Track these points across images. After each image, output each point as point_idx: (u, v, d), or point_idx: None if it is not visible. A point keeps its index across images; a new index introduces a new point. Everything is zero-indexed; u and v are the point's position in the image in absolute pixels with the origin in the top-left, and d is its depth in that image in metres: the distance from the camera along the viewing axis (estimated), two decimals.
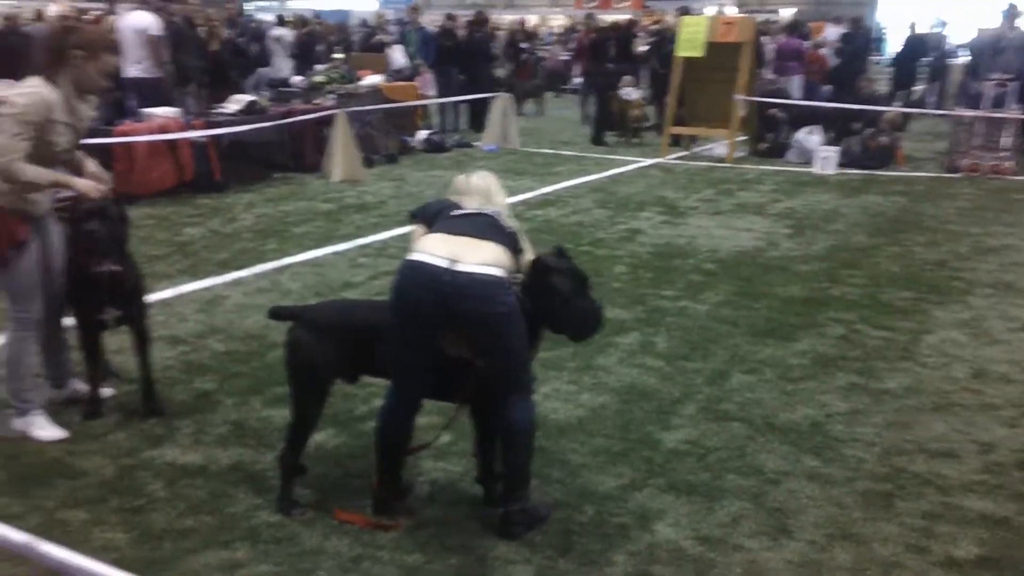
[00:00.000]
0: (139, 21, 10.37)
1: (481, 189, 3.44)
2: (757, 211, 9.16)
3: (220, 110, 10.27)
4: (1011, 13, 13.51)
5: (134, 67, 10.25)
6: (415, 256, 3.10)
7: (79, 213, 3.94)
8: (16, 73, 4.07)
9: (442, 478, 3.69)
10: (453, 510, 3.44)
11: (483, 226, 3.17)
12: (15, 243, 3.83)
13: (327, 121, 10.68)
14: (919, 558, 3.18)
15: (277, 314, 3.54)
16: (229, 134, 9.70)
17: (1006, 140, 11.46)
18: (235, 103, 10.31)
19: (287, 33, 15.92)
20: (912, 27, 17.95)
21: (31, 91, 3.71)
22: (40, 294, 3.99)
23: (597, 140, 14.09)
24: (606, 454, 3.91)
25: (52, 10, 22.91)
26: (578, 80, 21.44)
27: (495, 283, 3.02)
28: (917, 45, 17.66)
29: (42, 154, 3.75)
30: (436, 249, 3.07)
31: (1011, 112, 11.58)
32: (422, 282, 3.04)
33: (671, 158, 12.71)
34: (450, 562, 3.10)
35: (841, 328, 5.59)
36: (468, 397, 3.28)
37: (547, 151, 13.00)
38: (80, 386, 4.37)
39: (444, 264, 3.02)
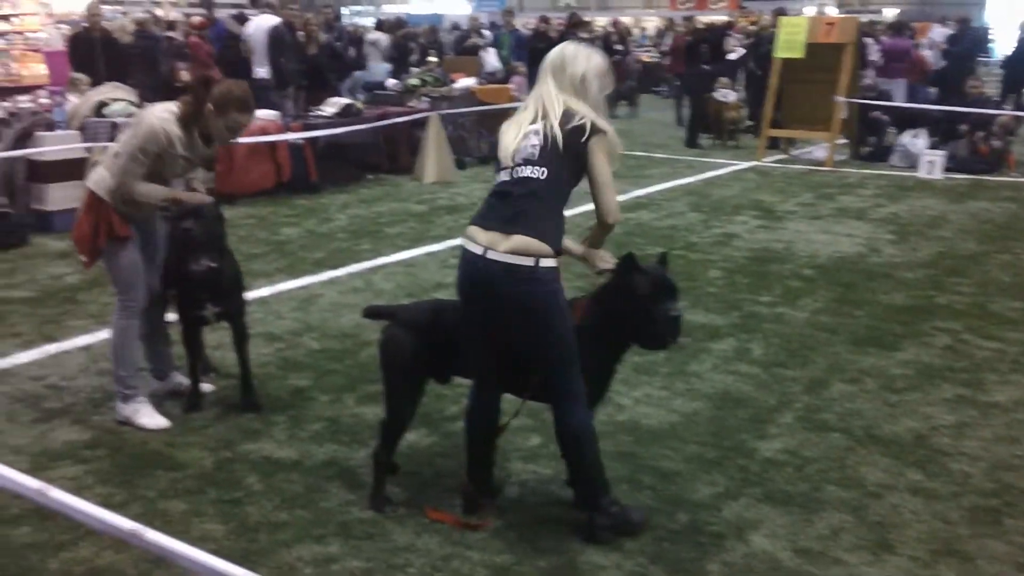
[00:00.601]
0: (265, 23, 10.98)
1: (555, 65, 3.19)
2: (858, 216, 8.88)
3: (317, 113, 10.50)
4: None
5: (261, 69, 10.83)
6: (462, 242, 3.18)
7: (177, 213, 4.09)
8: (148, 75, 4.31)
9: (532, 480, 3.67)
10: (543, 512, 3.42)
11: (519, 203, 3.06)
12: (113, 236, 4.02)
13: (420, 123, 10.82)
14: None
15: (372, 313, 3.60)
16: (325, 136, 9.90)
17: None
18: (332, 106, 10.52)
19: (383, 37, 16.19)
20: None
21: (156, 121, 3.92)
22: (143, 285, 4.16)
23: (691, 143, 13.89)
24: (699, 461, 3.84)
25: (158, 14, 23.84)
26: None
27: (515, 269, 2.99)
28: None
29: (157, 174, 3.99)
30: (475, 236, 3.11)
31: None
32: (464, 268, 3.14)
33: (768, 161, 12.44)
34: (539, 564, 3.08)
35: (947, 338, 5.36)
36: (535, 393, 3.25)
37: (639, 153, 12.87)
38: (181, 380, 4.51)
39: (477, 251, 3.06)
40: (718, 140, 13.98)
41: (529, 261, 2.99)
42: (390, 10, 31.47)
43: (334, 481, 3.64)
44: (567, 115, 3.06)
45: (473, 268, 3.09)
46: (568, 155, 3.05)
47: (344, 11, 36.31)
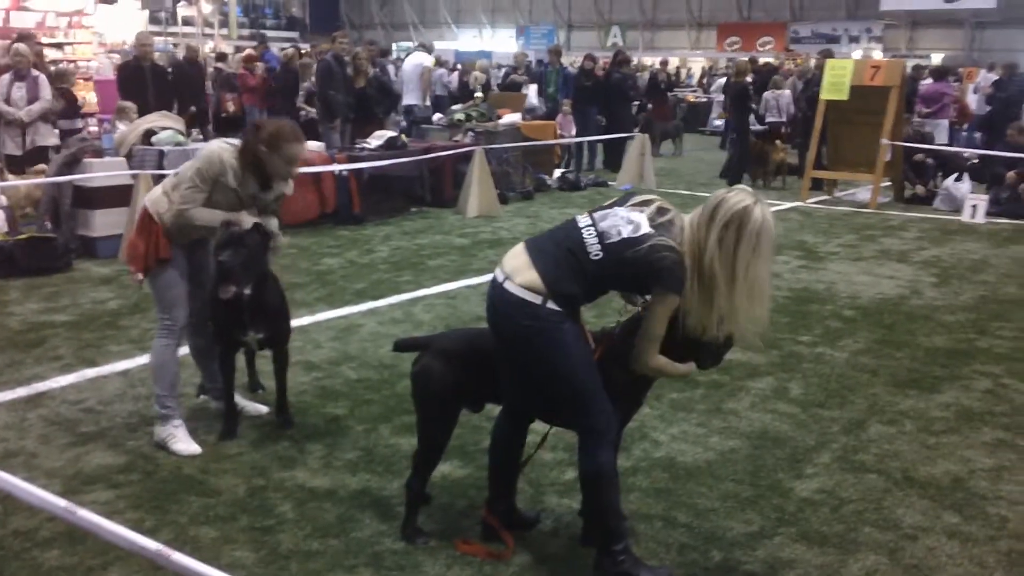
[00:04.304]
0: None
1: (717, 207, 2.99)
2: (901, 258, 8.81)
3: (363, 145, 10.69)
4: None
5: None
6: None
7: (220, 240, 4.18)
8: (195, 104, 4.46)
9: (567, 514, 3.67)
10: (576, 546, 3.42)
11: (558, 245, 3.06)
12: (159, 258, 4.16)
13: (465, 157, 10.96)
14: None
15: (403, 346, 3.59)
16: (370, 168, 10.07)
17: None
18: (377, 139, 10.71)
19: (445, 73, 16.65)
20: None
21: (216, 147, 4.13)
22: (183, 306, 4.27)
23: (735, 182, 13.88)
24: (735, 500, 3.82)
25: (208, 48, 24.55)
26: (718, 122, 21.29)
27: (522, 304, 3.00)
28: None
29: (215, 203, 4.15)
30: (505, 262, 3.14)
31: None
32: (488, 291, 3.19)
33: (811, 202, 12.39)
34: None
35: (988, 382, 5.29)
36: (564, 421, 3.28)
37: (683, 192, 12.89)
38: (247, 404, 4.65)
39: (500, 278, 3.10)
40: (763, 180, 13.91)
41: (537, 299, 3.00)
42: (441, 46, 31.89)
43: (367, 511, 3.67)
44: (660, 245, 2.91)
45: (490, 292, 3.17)
46: (626, 271, 2.98)
47: (393, 46, 36.96)
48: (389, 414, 4.66)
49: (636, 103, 17.98)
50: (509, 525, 3.44)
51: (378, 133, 10.88)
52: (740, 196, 2.94)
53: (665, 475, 4.04)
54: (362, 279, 7.59)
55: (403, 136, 11.34)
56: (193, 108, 12.56)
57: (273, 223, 4.36)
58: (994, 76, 16.74)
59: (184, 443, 4.21)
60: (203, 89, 14.17)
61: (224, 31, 37.49)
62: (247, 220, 4.17)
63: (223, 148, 4.12)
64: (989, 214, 11.04)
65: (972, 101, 17.26)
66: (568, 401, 3.11)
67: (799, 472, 4.09)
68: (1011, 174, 11.61)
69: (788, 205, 12.12)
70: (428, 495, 3.58)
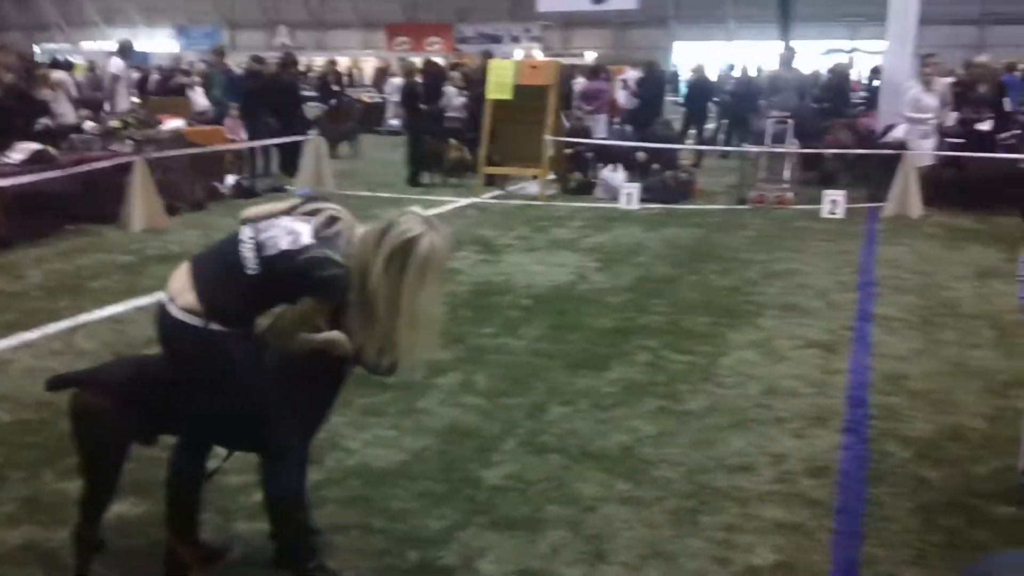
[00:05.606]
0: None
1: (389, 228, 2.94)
2: (569, 247, 9.46)
3: (3, 160, 9.58)
4: (787, 57, 14.74)
5: None
6: None
7: None
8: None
9: (259, 538, 3.52)
10: (271, 570, 3.30)
11: (219, 261, 2.98)
12: None
13: (126, 168, 10.18)
14: (723, 569, 3.36)
15: (56, 384, 3.20)
16: (13, 186, 9.04)
17: (787, 173, 12.44)
18: (20, 152, 9.64)
19: (66, 78, 14.94)
20: (698, 70, 19.35)
21: None
22: None
23: (413, 181, 14.17)
24: (429, 497, 3.90)
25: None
26: (394, 122, 21.53)
27: (184, 328, 2.89)
28: (704, 86, 19.04)
29: None
30: (170, 283, 2.99)
31: (790, 147, 12.56)
32: (154, 315, 3.04)
33: (487, 198, 12.94)
34: None
35: (648, 355, 5.84)
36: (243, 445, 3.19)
37: (364, 193, 12.92)
38: None
39: (164, 300, 2.97)
40: (441, 178, 14.31)
41: (199, 321, 2.87)
42: (90, 47, 29.39)
43: (31, 568, 3.31)
44: (319, 258, 2.83)
45: (155, 316, 3.00)
46: (284, 283, 2.91)
47: (37, 48, 33.52)
48: (52, 457, 4.21)
49: (312, 104, 17.74)
50: (198, 558, 3.26)
51: (21, 146, 9.80)
52: (409, 224, 2.88)
53: (359, 482, 4.03)
54: (11, 309, 6.80)
55: (51, 148, 10.28)
56: None
57: None
58: (638, 73, 18.45)
59: None
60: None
61: None
62: None
63: None
64: (643, 200, 12.15)
65: (620, 96, 18.87)
66: (246, 423, 3.01)
67: (487, 461, 4.26)
68: (641, 154, 12.84)
69: (466, 201, 12.57)
70: (102, 540, 3.29)
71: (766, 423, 4.73)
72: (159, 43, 40.39)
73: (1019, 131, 11.91)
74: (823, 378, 5.41)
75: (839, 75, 17.56)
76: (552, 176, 13.47)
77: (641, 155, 13.32)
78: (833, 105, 15.87)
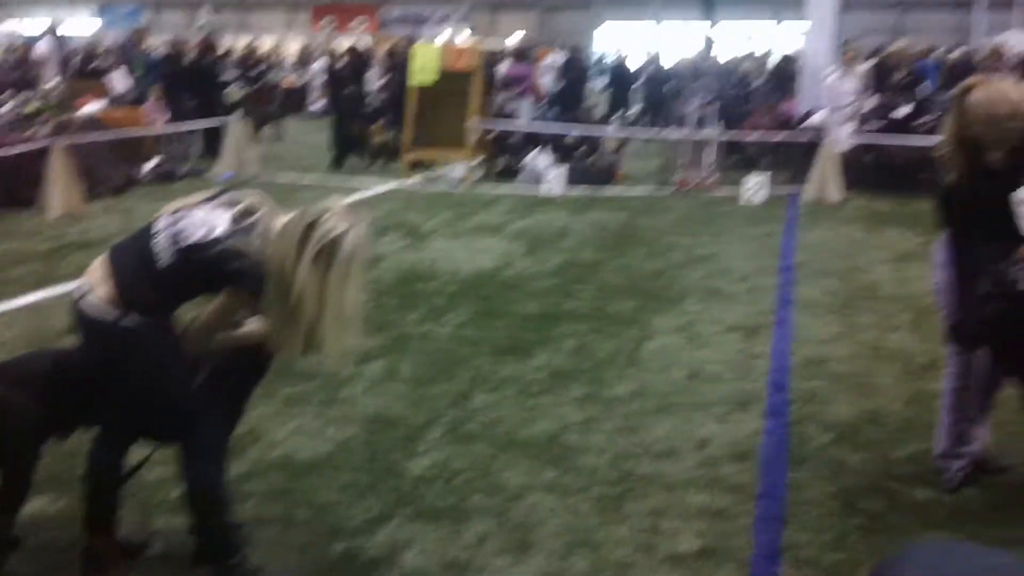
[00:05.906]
0: None
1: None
2: (494, 232, 9.46)
3: None
4: (708, 44, 14.96)
5: None
6: None
7: None
8: None
9: (178, 533, 3.46)
10: (191, 566, 3.25)
11: (134, 252, 2.95)
12: None
13: (44, 152, 9.85)
14: (648, 556, 3.41)
15: None
16: None
17: (709, 157, 12.64)
18: None
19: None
20: (620, 56, 19.62)
21: None
22: None
23: (337, 164, 14.01)
24: (354, 488, 3.88)
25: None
26: (316, 105, 21.23)
27: (99, 320, 2.87)
28: (625, 73, 19.29)
29: None
30: (87, 273, 2.96)
31: (712, 132, 12.76)
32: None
33: (412, 182, 12.85)
34: None
35: (574, 341, 5.89)
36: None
37: (287, 178, 12.72)
38: None
39: (79, 292, 2.93)
40: (366, 162, 14.16)
41: (114, 313, 2.84)
42: (3, 29, 28.19)
43: None
44: (231, 250, 2.82)
45: (71, 308, 2.95)
46: (198, 276, 2.90)
47: None
48: None
49: (234, 87, 17.35)
50: (117, 554, 3.21)
51: None
52: (334, 221, 2.84)
53: (282, 475, 3.99)
54: None
55: None
56: None
57: None
58: (562, 56, 18.53)
59: None
60: None
61: None
62: None
63: None
64: (568, 183, 12.20)
65: (546, 80, 18.93)
66: (165, 416, 2.97)
67: (412, 451, 4.25)
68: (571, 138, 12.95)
69: (391, 186, 12.47)
70: (16, 538, 3.21)
71: (690, 408, 4.81)
72: (80, 23, 38.94)
73: (938, 115, 12.30)
74: (745, 362, 5.52)
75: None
76: (477, 160, 13.44)
77: (569, 138, 13.39)
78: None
